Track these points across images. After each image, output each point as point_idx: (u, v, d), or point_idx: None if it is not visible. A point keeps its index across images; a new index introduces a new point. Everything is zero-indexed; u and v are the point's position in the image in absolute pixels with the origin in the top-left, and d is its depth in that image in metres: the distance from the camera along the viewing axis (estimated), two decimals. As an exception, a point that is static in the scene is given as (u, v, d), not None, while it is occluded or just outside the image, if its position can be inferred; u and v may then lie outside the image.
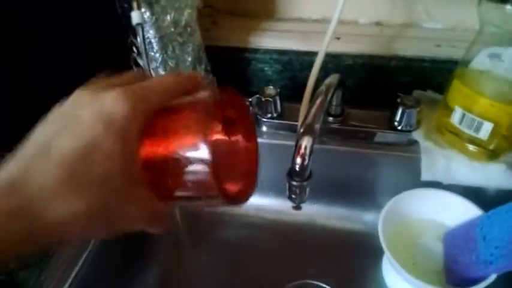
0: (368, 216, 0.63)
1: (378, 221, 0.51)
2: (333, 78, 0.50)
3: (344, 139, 0.59)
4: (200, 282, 0.59)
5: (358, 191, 0.62)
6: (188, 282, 0.59)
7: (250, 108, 0.63)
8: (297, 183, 0.43)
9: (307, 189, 0.44)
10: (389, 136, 0.58)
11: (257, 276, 0.58)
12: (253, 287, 0.57)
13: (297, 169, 0.41)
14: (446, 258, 0.51)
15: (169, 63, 0.55)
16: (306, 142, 0.41)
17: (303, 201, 0.45)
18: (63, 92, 0.26)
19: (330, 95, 0.47)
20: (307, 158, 0.41)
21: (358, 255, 0.58)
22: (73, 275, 0.47)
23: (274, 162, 0.62)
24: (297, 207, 0.45)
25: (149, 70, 0.52)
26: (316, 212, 0.64)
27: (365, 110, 0.61)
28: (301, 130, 0.42)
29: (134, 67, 0.57)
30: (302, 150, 0.41)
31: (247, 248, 0.61)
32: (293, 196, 0.44)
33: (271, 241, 0.62)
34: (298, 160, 0.41)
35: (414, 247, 0.54)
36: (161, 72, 0.55)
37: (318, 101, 0.45)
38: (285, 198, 0.65)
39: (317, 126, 0.43)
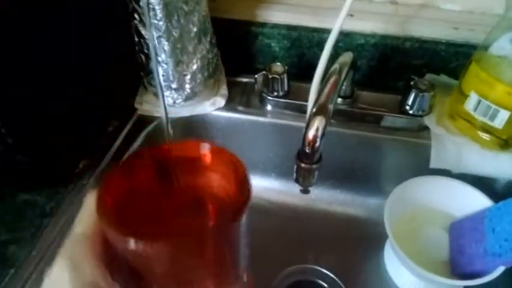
0: (372, 202, 0.61)
1: (382, 207, 0.49)
2: (346, 57, 0.48)
3: (352, 122, 0.57)
4: None
5: (363, 176, 0.60)
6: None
7: (255, 86, 0.60)
8: (306, 165, 0.41)
9: (316, 173, 0.42)
10: (399, 121, 0.56)
11: (255, 258, 0.56)
12: (251, 269, 0.56)
13: (307, 151, 0.39)
14: (452, 249, 0.50)
15: (173, 33, 0.52)
16: (318, 123, 0.39)
17: (311, 185, 0.43)
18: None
19: (344, 74, 0.44)
20: (318, 140, 0.39)
21: (359, 242, 0.57)
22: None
23: (279, 143, 0.60)
24: (305, 191, 0.43)
25: (152, 39, 0.49)
26: (319, 196, 0.62)
27: (375, 93, 0.58)
28: (314, 110, 0.40)
29: (136, 36, 0.54)
30: (314, 132, 0.39)
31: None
32: (301, 179, 0.42)
33: (271, 223, 0.60)
34: (309, 141, 0.39)
35: (419, 236, 0.53)
36: (164, 42, 0.52)
37: (331, 80, 0.42)
38: (288, 180, 0.64)
39: (330, 106, 0.40)
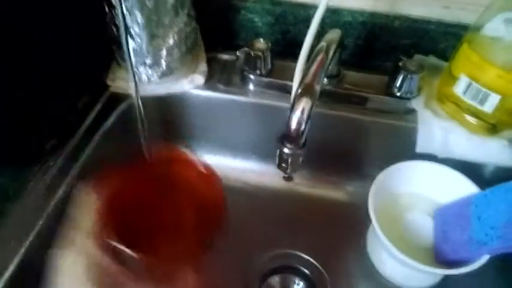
0: (355, 186, 0.60)
1: (366, 191, 0.48)
2: (333, 34, 0.45)
3: (337, 103, 0.54)
4: None
5: (347, 159, 0.58)
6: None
7: (237, 63, 0.57)
8: (290, 150, 0.38)
9: (301, 159, 0.39)
10: (386, 102, 0.54)
11: (234, 242, 0.54)
12: (230, 253, 0.54)
13: (292, 135, 0.37)
14: (436, 236, 0.49)
15: (147, 3, 0.48)
16: (304, 104, 0.36)
17: (295, 171, 0.40)
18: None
19: (331, 52, 0.41)
20: (303, 123, 0.36)
21: (341, 226, 0.55)
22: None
23: (260, 124, 0.57)
24: (288, 178, 0.41)
25: (121, 9, 0.45)
26: (300, 178, 0.60)
27: (362, 73, 0.56)
28: (299, 90, 0.37)
29: (106, 6, 0.49)
30: (299, 114, 0.36)
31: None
32: (284, 165, 0.40)
33: (251, 207, 0.57)
34: (294, 125, 0.36)
35: (403, 222, 0.51)
36: (137, 13, 0.48)
37: (318, 59, 0.40)
38: (269, 163, 0.61)
39: (317, 87, 0.38)
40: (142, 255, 0.23)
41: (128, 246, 0.21)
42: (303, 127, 0.36)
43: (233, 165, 0.61)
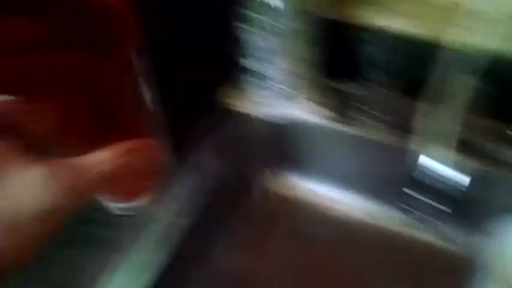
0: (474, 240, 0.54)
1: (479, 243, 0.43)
2: (467, 80, 0.42)
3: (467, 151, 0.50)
4: (281, 274, 0.55)
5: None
6: (268, 272, 0.55)
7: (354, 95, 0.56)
8: (414, 193, 0.36)
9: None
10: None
11: (337, 278, 0.52)
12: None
13: (421, 180, 0.35)
14: None
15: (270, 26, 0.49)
16: (437, 152, 0.34)
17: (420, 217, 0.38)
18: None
19: (461, 99, 0.39)
20: (433, 169, 0.34)
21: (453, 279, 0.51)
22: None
23: (374, 160, 0.55)
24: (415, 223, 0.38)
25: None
26: (410, 224, 0.56)
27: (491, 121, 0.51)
28: (429, 136, 0.35)
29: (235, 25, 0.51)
30: (429, 160, 0.34)
31: (332, 246, 0.56)
32: (408, 208, 0.38)
33: (358, 244, 0.55)
34: (423, 169, 0.34)
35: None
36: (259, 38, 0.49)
37: (450, 104, 0.38)
38: (380, 202, 0.57)
39: (449, 134, 0.36)
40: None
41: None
42: (433, 174, 0.34)
43: (341, 199, 0.60)
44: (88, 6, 0.18)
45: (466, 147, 0.51)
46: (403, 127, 0.51)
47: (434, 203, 0.50)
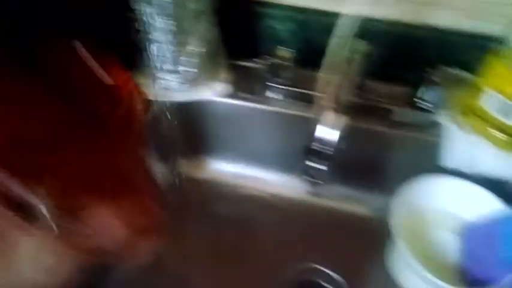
0: (377, 200, 0.58)
1: (388, 206, 0.47)
2: (359, 45, 0.44)
3: (360, 115, 0.53)
4: (198, 255, 0.54)
5: (369, 173, 0.57)
6: (186, 255, 0.54)
7: (259, 71, 0.56)
8: (314, 164, 0.37)
9: (326, 172, 0.38)
10: (410, 115, 0.52)
11: (256, 254, 0.53)
12: (252, 264, 0.53)
13: (319, 148, 0.36)
14: (464, 255, 0.48)
15: (168, 9, 0.47)
16: (332, 117, 0.35)
17: (319, 185, 0.39)
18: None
19: (356, 63, 0.41)
20: (331, 136, 0.35)
21: (364, 241, 0.54)
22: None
23: (281, 133, 0.56)
24: (314, 191, 0.40)
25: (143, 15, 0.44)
26: (322, 191, 0.59)
27: (385, 84, 0.55)
28: (326, 103, 0.36)
29: (127, 12, 0.49)
30: (327, 127, 0.35)
31: (247, 223, 0.57)
32: (308, 177, 0.39)
33: (271, 218, 0.57)
34: (322, 137, 0.35)
35: (426, 238, 0.50)
36: (158, 19, 0.47)
37: (344, 70, 0.39)
38: (290, 173, 0.60)
39: (343, 99, 0.37)
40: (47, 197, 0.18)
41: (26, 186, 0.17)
42: (330, 140, 0.35)
43: (254, 174, 0.60)
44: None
45: (362, 112, 0.54)
46: (306, 99, 0.53)
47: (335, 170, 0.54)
